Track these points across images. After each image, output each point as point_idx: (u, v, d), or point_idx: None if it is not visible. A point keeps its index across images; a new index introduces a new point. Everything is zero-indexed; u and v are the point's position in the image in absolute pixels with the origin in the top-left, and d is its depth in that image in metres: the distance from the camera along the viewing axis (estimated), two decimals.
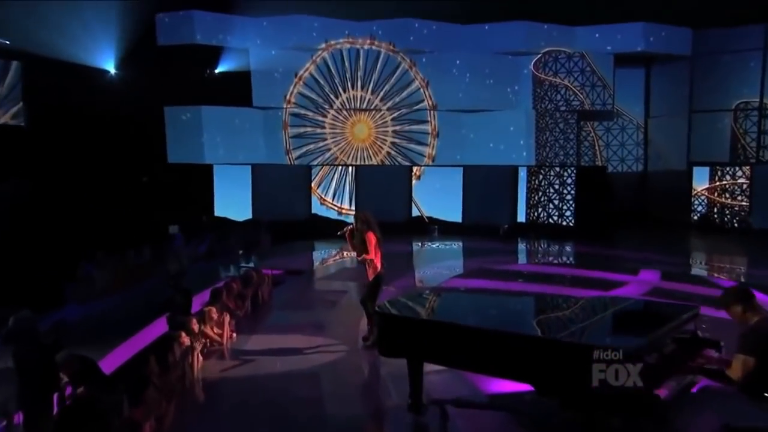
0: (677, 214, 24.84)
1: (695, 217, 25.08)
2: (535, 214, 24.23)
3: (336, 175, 24.68)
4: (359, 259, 8.84)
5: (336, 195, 24.34)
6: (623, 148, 26.89)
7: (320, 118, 24.35)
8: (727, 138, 24.20)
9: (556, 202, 23.74)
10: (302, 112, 24.12)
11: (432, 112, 24.62)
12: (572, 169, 24.15)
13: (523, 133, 24.42)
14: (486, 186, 23.72)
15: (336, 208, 24.48)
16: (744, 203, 23.97)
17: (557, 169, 24.10)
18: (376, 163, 24.86)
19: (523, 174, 24.58)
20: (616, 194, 23.91)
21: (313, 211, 24.28)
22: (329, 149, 24.56)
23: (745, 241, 20.91)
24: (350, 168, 24.74)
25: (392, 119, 24.50)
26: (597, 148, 26.13)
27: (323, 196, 24.36)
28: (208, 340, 9.04)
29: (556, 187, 23.67)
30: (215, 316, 9.31)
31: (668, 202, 25.11)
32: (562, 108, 24.32)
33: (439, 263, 16.08)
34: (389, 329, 6.67)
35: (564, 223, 23.31)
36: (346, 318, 10.63)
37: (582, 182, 23.50)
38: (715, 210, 24.73)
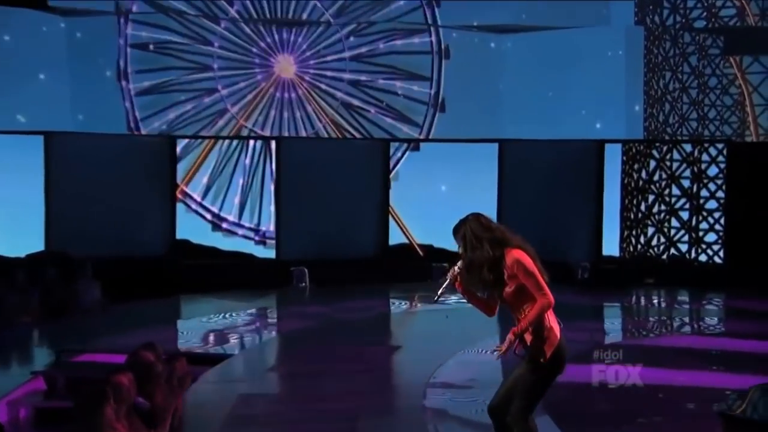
0: None
1: None
2: (641, 238, 17.80)
3: (233, 160, 17.94)
4: (520, 320, 5.15)
5: (239, 206, 18.00)
6: None
7: (202, 46, 18.28)
8: None
9: (686, 216, 17.41)
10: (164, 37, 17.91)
11: (433, 30, 18.50)
12: (719, 148, 17.44)
13: (617, 76, 18.32)
14: (543, 182, 17.40)
15: (238, 230, 17.99)
16: None
17: (688, 148, 17.78)
18: (321, 136, 18.86)
19: (615, 159, 17.82)
20: None
21: (181, 236, 17.65)
22: (219, 109, 17.90)
23: None
24: (263, 145, 17.98)
25: (353, 52, 18.41)
26: (749, 109, 19.24)
27: (204, 204, 17.85)
28: None
29: (686, 186, 17.53)
30: None
31: None
32: (699, 25, 18.56)
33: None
34: None
35: (704, 257, 17.60)
36: None
37: (740, 177, 16.80)
38: None
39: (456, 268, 5.30)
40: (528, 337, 5.19)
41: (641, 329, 13.53)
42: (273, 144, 17.15)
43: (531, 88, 17.52)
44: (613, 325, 13.81)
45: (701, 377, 9.76)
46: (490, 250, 5.18)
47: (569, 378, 8.86)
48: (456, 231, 5.39)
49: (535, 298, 5.09)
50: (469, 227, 5.33)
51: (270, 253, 16.48)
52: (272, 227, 17.41)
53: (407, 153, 17.81)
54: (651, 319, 14.71)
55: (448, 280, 5.32)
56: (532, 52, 18.06)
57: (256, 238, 17.15)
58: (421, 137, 17.76)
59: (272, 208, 17.23)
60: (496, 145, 16.92)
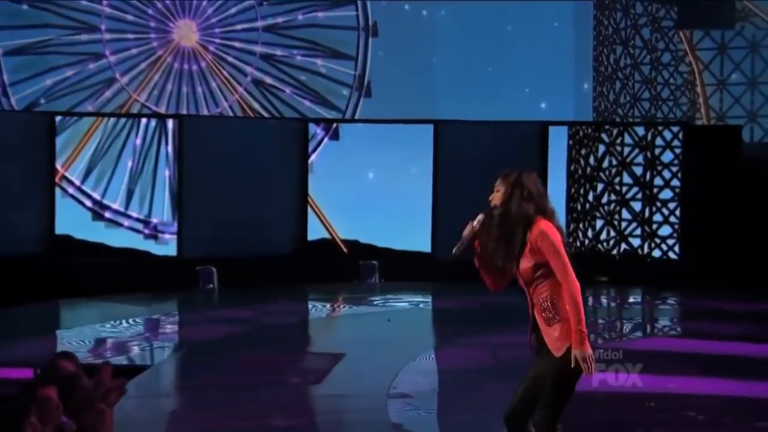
0: None
1: None
2: (589, 231, 17.27)
3: (121, 140, 16.71)
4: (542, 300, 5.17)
5: (126, 194, 16.75)
6: (756, 92, 19.60)
7: (88, 3, 17.64)
8: None
9: (639, 206, 17.05)
10: None
11: (359, 2, 18.52)
12: (675, 132, 16.85)
13: (564, 50, 18.41)
14: (482, 168, 15.11)
15: (123, 220, 16.57)
16: None
17: (640, 132, 17.14)
18: (231, 114, 18.42)
19: (561, 143, 16.97)
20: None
21: (61, 231, 16.23)
22: (105, 78, 17.78)
23: None
24: (159, 124, 16.87)
25: (266, 21, 18.19)
26: (700, 89, 19.25)
27: (84, 189, 16.56)
28: None
29: (639, 174, 17.14)
30: None
31: None
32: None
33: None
34: None
35: (657, 253, 17.20)
36: None
37: (698, 164, 16.45)
38: None
39: (476, 222, 5.18)
40: (547, 330, 5.07)
41: (609, 331, 13.29)
42: (171, 123, 15.86)
43: (468, 63, 16.99)
44: None
45: (690, 383, 9.46)
46: (533, 210, 5.05)
47: None
48: (507, 175, 5.24)
49: (555, 283, 4.96)
50: (526, 177, 5.21)
51: (169, 250, 15.13)
52: (165, 219, 16.14)
53: (324, 142, 16.80)
54: (614, 320, 14.48)
55: (466, 235, 5.23)
56: (468, 22, 17.75)
57: (146, 231, 15.79)
58: (346, 118, 16.99)
59: (167, 196, 15.96)
60: (430, 127, 16.14)
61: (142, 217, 16.14)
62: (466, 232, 5.18)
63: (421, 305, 14.94)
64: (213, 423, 7.37)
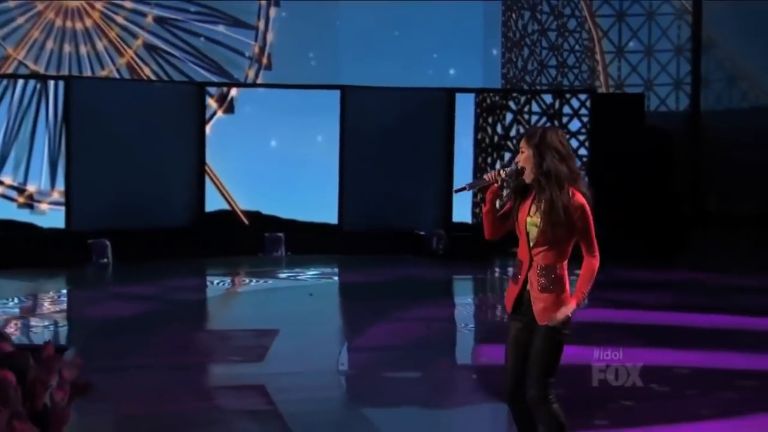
0: None
1: None
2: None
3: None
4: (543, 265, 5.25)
5: (10, 162, 15.67)
6: (653, 60, 19.68)
7: None
8: None
9: None
10: None
11: None
12: (582, 100, 16.90)
13: (474, 14, 18.05)
14: (389, 136, 16.01)
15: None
16: None
17: (548, 100, 17.21)
18: (118, 77, 17.33)
19: (468, 110, 16.75)
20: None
21: None
22: None
23: None
24: (37, 85, 15.98)
25: None
26: (599, 56, 19.07)
27: None
28: None
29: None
30: None
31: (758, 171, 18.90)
32: None
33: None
34: None
35: None
36: None
37: (605, 132, 16.46)
38: None
39: (503, 172, 5.11)
40: (542, 300, 5.16)
41: None
42: (53, 84, 14.88)
43: (374, 27, 16.50)
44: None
45: (640, 355, 8.55)
46: (566, 173, 5.00)
47: (497, 361, 8.49)
48: (533, 133, 5.15)
49: (562, 253, 5.04)
50: (556, 136, 5.11)
51: (56, 222, 14.11)
52: (43, 187, 15.16)
53: (217, 115, 16.22)
54: None
55: (486, 179, 5.20)
56: None
57: (20, 199, 14.84)
58: (247, 82, 16.39)
59: (45, 162, 15.02)
60: (337, 93, 15.71)
61: (16, 183, 15.11)
62: (488, 176, 5.15)
63: (334, 278, 14.65)
64: (154, 406, 6.94)
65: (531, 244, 5.14)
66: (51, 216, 14.59)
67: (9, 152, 15.00)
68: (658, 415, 6.76)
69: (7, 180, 15.08)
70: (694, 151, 19.28)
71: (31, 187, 15.03)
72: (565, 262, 5.17)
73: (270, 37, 16.92)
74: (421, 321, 11.13)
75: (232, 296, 13.05)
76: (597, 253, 5.03)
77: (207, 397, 7.52)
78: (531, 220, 5.13)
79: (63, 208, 14.47)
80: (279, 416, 6.87)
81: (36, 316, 10.65)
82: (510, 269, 15.08)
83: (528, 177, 5.05)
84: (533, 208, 5.12)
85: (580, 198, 5.07)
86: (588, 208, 5.10)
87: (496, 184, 5.18)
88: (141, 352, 8.61)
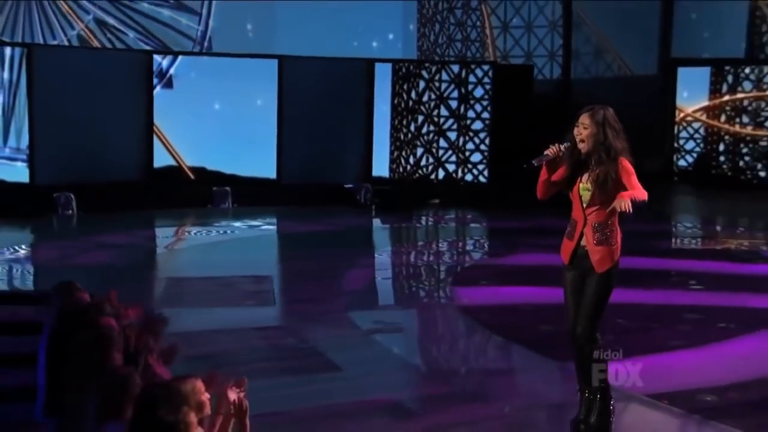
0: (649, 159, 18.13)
1: (683, 164, 19.68)
2: (410, 159, 17.62)
3: None
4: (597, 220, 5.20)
5: None
6: (532, 35, 20.11)
7: None
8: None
9: (454, 136, 17.55)
10: None
11: None
12: (485, 70, 17.47)
13: None
14: (318, 101, 16.57)
15: None
16: None
17: (456, 69, 17.67)
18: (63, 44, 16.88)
19: (386, 78, 17.22)
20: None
21: None
22: None
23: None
24: None
25: None
26: (489, 31, 19.61)
27: None
28: None
29: (454, 107, 17.57)
30: None
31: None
32: None
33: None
34: None
35: (469, 177, 17.72)
36: None
37: (504, 98, 17.14)
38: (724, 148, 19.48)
39: (563, 147, 5.26)
40: (594, 248, 5.25)
41: (486, 249, 13.47)
42: (9, 50, 14.70)
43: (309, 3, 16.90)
44: (451, 246, 13.56)
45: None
46: (622, 146, 5.18)
47: (488, 301, 8.83)
48: (593, 113, 5.25)
49: (612, 211, 5.13)
50: (610, 116, 5.26)
51: (20, 176, 14.18)
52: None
53: (157, 89, 16.03)
54: (481, 240, 14.68)
55: (549, 154, 5.27)
56: None
57: None
58: (193, 51, 16.55)
59: None
60: (275, 62, 16.15)
61: None
62: (550, 151, 5.29)
63: (289, 228, 14.49)
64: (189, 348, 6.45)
65: (584, 206, 5.28)
66: (14, 170, 14.38)
67: None
68: (636, 347, 6.29)
69: None
70: (565, 114, 19.56)
71: None
72: (615, 217, 5.27)
73: (211, 22, 16.94)
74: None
75: (209, 245, 12.69)
76: (644, 192, 5.09)
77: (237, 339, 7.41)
78: (583, 186, 5.25)
79: (15, 163, 14.38)
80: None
81: (24, 263, 10.67)
82: (429, 218, 15.61)
83: (584, 148, 5.17)
84: (585, 176, 5.25)
85: (627, 165, 5.20)
86: (634, 171, 5.21)
87: (555, 158, 5.31)
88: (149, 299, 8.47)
